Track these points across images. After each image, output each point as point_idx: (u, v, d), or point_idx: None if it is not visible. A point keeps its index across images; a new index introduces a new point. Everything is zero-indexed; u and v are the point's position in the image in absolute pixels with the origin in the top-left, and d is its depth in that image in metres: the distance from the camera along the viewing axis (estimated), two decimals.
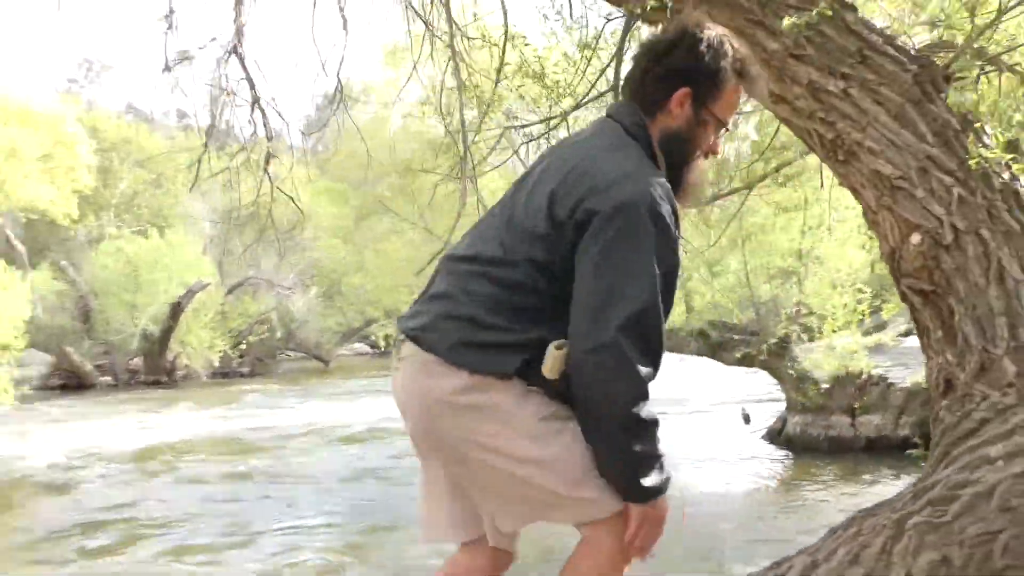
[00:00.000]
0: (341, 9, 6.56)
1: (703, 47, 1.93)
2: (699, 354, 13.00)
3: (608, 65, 4.59)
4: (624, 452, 1.75)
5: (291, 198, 6.72)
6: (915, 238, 2.73)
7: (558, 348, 1.76)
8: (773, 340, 12.49)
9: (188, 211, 24.33)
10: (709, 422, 13.67)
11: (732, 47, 1.97)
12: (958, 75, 2.88)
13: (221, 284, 24.74)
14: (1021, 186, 2.71)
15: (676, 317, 13.46)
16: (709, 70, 1.94)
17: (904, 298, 2.85)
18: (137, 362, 23.87)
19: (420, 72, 6.90)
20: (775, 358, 12.48)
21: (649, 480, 1.76)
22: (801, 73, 3.00)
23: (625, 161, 1.86)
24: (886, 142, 2.81)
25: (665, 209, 1.79)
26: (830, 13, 2.94)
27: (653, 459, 1.77)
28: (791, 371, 12.33)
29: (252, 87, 6.50)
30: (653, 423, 1.76)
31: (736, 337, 13.05)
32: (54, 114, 14.93)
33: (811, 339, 12.58)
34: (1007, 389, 2.42)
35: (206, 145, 6.19)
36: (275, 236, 10.09)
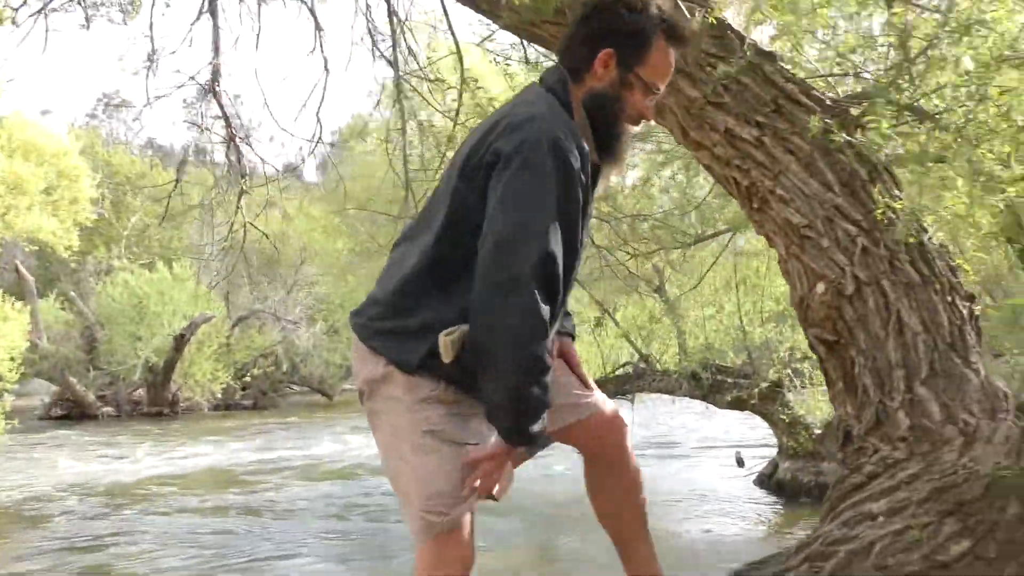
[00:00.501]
0: (320, 48, 6.71)
1: (623, 7, 1.93)
2: (691, 396, 12.87)
3: None
4: (521, 394, 1.75)
5: (265, 235, 6.81)
6: (820, 287, 2.72)
7: (447, 335, 1.79)
8: (765, 384, 12.38)
9: (196, 244, 24.54)
10: (700, 465, 13.52)
11: (659, 8, 1.94)
12: (872, 124, 2.88)
13: (228, 317, 24.85)
14: (928, 237, 2.71)
15: (669, 358, 13.42)
16: (631, 30, 1.93)
17: (812, 348, 2.83)
18: (140, 393, 23.92)
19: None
20: (767, 402, 12.33)
21: (536, 426, 1.79)
22: (719, 120, 3.03)
23: (534, 107, 1.89)
24: (796, 191, 2.82)
25: (569, 147, 1.81)
26: (752, 63, 2.97)
27: (543, 406, 1.78)
28: (783, 416, 12.20)
29: (228, 125, 6.63)
30: (549, 369, 1.78)
31: (729, 380, 12.93)
32: (59, 148, 15.22)
33: (802, 384, 12.47)
34: (899, 443, 2.40)
35: (177, 181, 6.28)
36: (246, 272, 10.21)
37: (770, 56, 3.02)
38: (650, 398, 14.47)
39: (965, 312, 2.64)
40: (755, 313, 12.97)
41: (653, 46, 1.93)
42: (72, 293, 24.39)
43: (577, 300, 10.55)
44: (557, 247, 1.75)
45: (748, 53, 2.88)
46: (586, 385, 2.17)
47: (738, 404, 12.71)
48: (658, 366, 13.21)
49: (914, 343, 2.52)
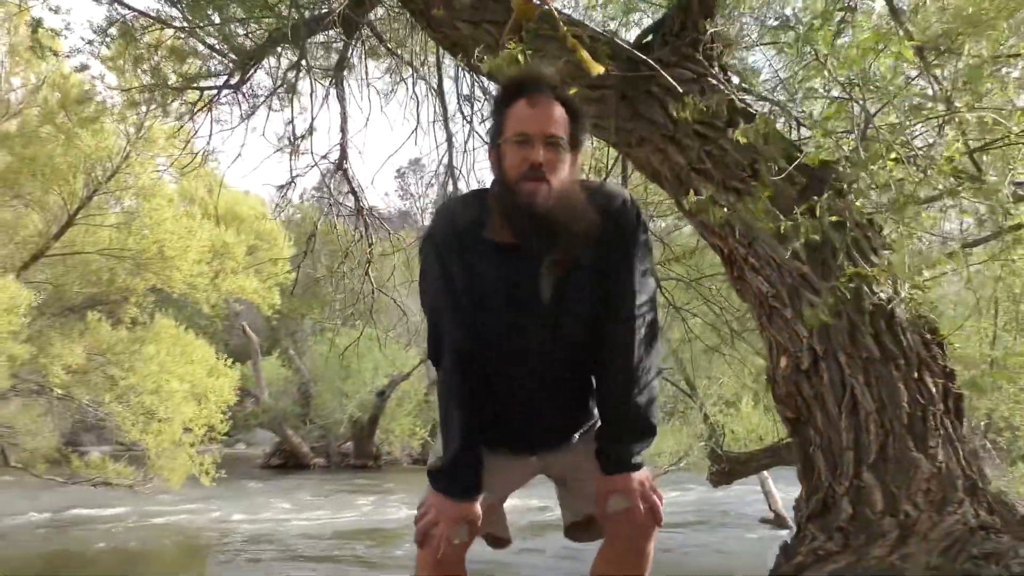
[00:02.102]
0: (445, 122, 7.10)
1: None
2: None
3: None
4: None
5: (393, 300, 7.18)
6: (783, 362, 2.55)
7: None
8: None
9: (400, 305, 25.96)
10: None
11: (506, 80, 2.06)
12: (853, 185, 2.69)
13: (426, 375, 26.00)
14: (900, 304, 2.47)
15: None
16: (493, 118, 2.07)
17: (784, 426, 2.65)
18: (348, 446, 25.46)
19: None
20: None
21: (440, 480, 1.99)
22: (702, 187, 2.95)
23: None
24: (767, 259, 2.69)
25: (441, 234, 2.02)
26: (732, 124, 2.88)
27: (447, 454, 1.99)
28: None
29: (356, 199, 7.13)
30: (447, 420, 2.01)
31: None
32: (257, 212, 16.83)
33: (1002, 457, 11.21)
34: (835, 533, 2.19)
35: (306, 253, 6.82)
36: (377, 334, 10.77)
37: (751, 117, 2.91)
38: None
39: (936, 391, 2.37)
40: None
41: (504, 114, 2.00)
42: (291, 352, 26.50)
43: (740, 362, 10.11)
44: (431, 325, 2.03)
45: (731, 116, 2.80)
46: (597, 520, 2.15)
47: None
48: None
49: (866, 424, 2.30)
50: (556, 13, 2.53)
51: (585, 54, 2.48)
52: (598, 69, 2.50)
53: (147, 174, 12.85)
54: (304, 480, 20.99)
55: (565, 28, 2.60)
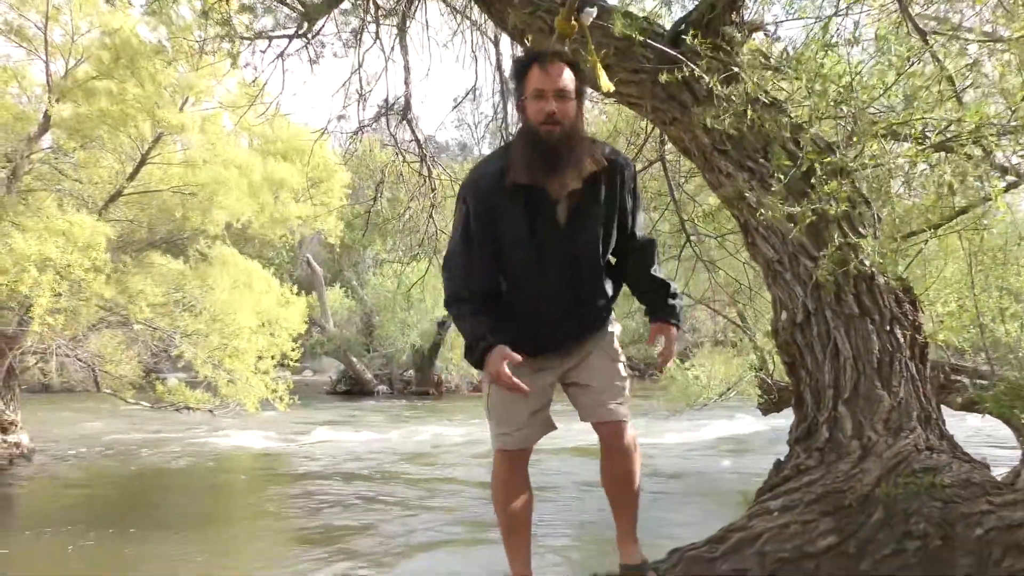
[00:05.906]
0: (499, 73, 7.56)
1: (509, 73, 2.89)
2: None
3: None
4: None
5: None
6: (783, 315, 3.11)
7: None
8: (1004, 385, 11.59)
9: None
10: None
11: (525, 53, 2.82)
12: (852, 167, 3.19)
13: None
14: (877, 271, 2.98)
15: None
16: (513, 79, 2.77)
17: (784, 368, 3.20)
18: (410, 374, 26.51)
19: None
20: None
21: (468, 353, 2.67)
22: (723, 165, 3.48)
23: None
24: (773, 229, 3.22)
25: (467, 185, 2.71)
26: (750, 111, 3.38)
27: (468, 340, 2.65)
28: None
29: (420, 146, 7.71)
30: (459, 318, 2.68)
31: (963, 380, 12.22)
32: (310, 146, 17.38)
33: None
34: (814, 452, 2.77)
35: (375, 198, 7.45)
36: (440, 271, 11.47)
37: (774, 105, 3.40)
38: None
39: (904, 341, 2.90)
40: (995, 310, 12.13)
41: (525, 77, 2.66)
42: (354, 283, 27.48)
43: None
44: (449, 254, 2.72)
45: (750, 106, 3.30)
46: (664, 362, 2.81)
47: (971, 406, 12.00)
48: None
49: (844, 367, 2.84)
50: (588, 32, 3.08)
51: (601, 72, 3.06)
52: (608, 87, 3.09)
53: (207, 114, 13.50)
54: (366, 405, 22.14)
55: (591, 46, 3.15)
